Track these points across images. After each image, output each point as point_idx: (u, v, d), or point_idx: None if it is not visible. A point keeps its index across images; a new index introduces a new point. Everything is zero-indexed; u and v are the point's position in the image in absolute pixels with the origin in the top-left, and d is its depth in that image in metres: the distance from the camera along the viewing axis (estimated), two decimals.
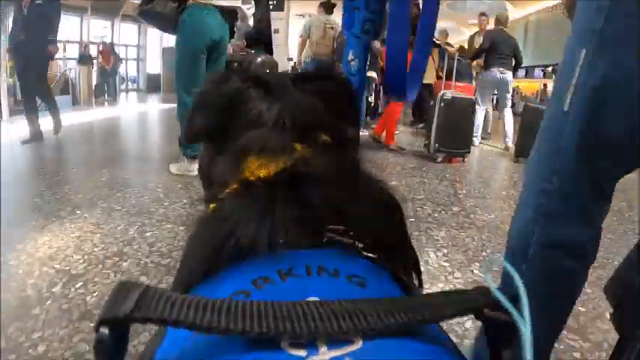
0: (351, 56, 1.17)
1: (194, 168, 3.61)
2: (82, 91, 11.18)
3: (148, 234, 2.54)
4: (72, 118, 7.59)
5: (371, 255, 0.47)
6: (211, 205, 0.51)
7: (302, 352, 0.30)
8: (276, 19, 8.53)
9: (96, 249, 2.33)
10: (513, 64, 6.47)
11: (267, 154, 0.51)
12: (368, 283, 0.40)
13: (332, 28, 6.86)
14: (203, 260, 0.46)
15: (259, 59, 4.20)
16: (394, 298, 0.38)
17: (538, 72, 14.48)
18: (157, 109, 10.91)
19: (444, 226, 3.00)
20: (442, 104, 5.04)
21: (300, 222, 0.45)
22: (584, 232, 1.00)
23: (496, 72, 6.34)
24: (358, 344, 0.31)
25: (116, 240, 2.45)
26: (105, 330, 0.29)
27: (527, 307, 0.32)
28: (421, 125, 7.47)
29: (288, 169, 0.49)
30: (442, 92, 5.16)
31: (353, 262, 0.44)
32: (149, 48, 15.21)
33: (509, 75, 6.38)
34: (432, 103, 5.24)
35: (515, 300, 0.33)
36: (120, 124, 8.28)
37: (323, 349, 0.30)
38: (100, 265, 2.15)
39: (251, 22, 6.69)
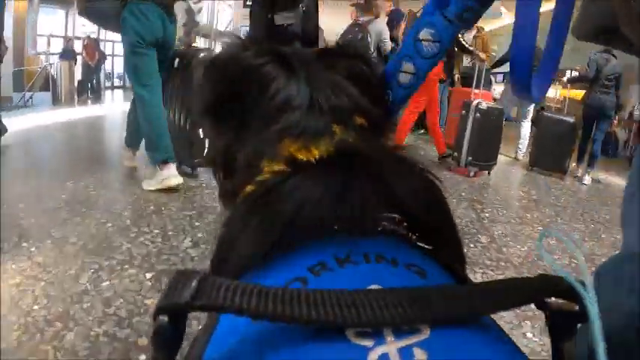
0: (426, 35, 0.78)
1: (168, 176, 3.22)
2: (64, 88, 10.58)
3: (104, 284, 1.95)
4: (50, 117, 7.10)
5: (425, 246, 0.47)
6: (249, 187, 0.49)
7: (368, 342, 0.29)
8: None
9: (36, 306, 1.75)
10: None
11: (307, 136, 0.50)
12: (427, 272, 0.39)
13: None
14: (259, 244, 0.43)
15: (201, 54, 3.75)
16: (457, 286, 0.39)
17: None
18: None
19: (477, 266, 2.50)
20: (478, 115, 4.70)
21: (356, 207, 0.42)
22: None
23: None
24: (426, 333, 0.30)
25: (64, 293, 1.86)
26: (164, 318, 0.30)
27: (594, 294, 0.31)
28: (422, 131, 7.20)
29: (337, 152, 0.48)
30: (476, 102, 4.78)
31: (409, 252, 0.44)
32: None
33: None
34: (463, 112, 4.88)
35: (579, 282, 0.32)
36: (102, 124, 7.71)
37: (390, 338, 0.29)
38: (38, 335, 1.58)
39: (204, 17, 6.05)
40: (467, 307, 0.32)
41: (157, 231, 2.50)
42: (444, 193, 0.51)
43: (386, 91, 0.78)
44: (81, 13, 3.53)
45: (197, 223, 2.62)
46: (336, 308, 0.29)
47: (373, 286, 0.34)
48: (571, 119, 5.81)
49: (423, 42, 0.79)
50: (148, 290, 1.91)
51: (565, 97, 10.14)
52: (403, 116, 5.18)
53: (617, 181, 6.08)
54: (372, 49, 5.27)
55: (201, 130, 3.38)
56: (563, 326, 0.34)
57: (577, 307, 0.33)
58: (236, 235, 0.46)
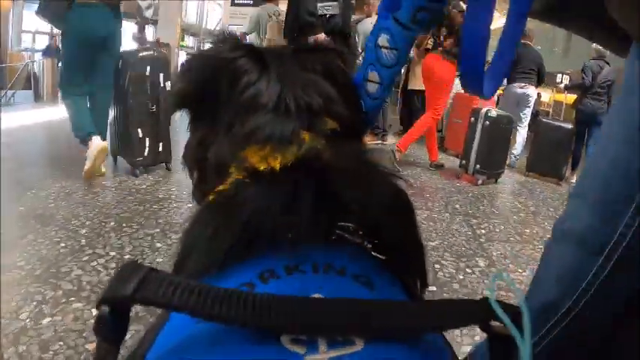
0: (383, 41, 0.77)
1: (94, 147, 3.33)
2: (46, 85, 10.23)
3: (45, 321, 1.67)
4: (31, 116, 6.78)
5: (379, 256, 0.46)
6: (211, 195, 0.49)
7: (301, 350, 0.30)
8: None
9: None
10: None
11: (273, 143, 0.49)
12: (374, 284, 0.39)
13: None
14: (212, 253, 0.43)
15: (141, 54, 3.72)
16: (399, 301, 0.40)
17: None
18: None
19: (477, 294, 2.22)
20: (487, 122, 4.65)
21: (311, 218, 0.42)
22: None
23: (516, 87, 6.03)
24: (359, 346, 0.30)
25: (4, 329, 1.60)
26: (105, 308, 0.30)
27: (528, 321, 0.31)
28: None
29: (298, 161, 0.48)
30: (485, 110, 4.71)
31: (360, 262, 0.44)
32: (124, 42, 14.23)
33: (529, 90, 6.03)
34: (472, 120, 4.81)
35: (518, 314, 0.32)
36: None
37: (323, 347, 0.30)
38: None
39: (192, 17, 6.00)
40: (406, 322, 0.32)
41: (113, 253, 2.23)
42: (410, 201, 0.51)
43: (356, 89, 0.73)
44: (37, 13, 3.59)
45: (158, 245, 2.35)
46: (273, 313, 0.30)
47: (315, 295, 0.34)
48: (569, 126, 5.84)
49: (382, 49, 0.75)
50: (91, 331, 1.64)
51: (554, 101, 10.20)
52: (422, 119, 4.97)
53: None
54: (360, 49, 5.04)
55: (140, 129, 3.59)
56: (504, 350, 0.33)
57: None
58: (193, 242, 0.47)
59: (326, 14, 3.05)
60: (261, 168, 0.48)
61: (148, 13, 4.27)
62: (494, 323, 0.33)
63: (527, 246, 3.07)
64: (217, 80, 0.56)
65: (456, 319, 0.34)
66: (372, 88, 0.76)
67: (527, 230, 3.48)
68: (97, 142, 3.35)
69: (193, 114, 0.62)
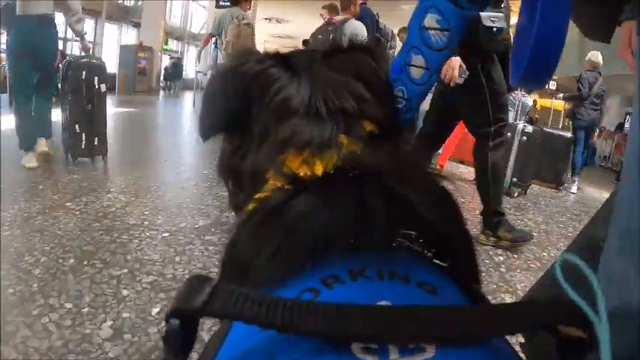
0: (431, 21, 0.66)
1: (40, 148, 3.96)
2: None
3: None
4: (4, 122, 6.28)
5: (440, 263, 0.45)
6: (251, 205, 0.49)
7: (373, 358, 0.29)
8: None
9: None
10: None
11: (312, 148, 0.50)
12: (438, 291, 0.39)
13: (248, 25, 6.07)
14: (277, 265, 0.42)
15: (78, 61, 4.25)
16: (467, 307, 0.39)
17: None
18: (110, 113, 9.52)
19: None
20: (524, 138, 4.95)
21: (370, 227, 0.42)
22: None
23: (518, 95, 6.43)
24: (431, 353, 0.30)
25: None
26: (175, 321, 0.30)
27: (605, 318, 0.30)
28: None
29: (340, 166, 0.48)
30: (522, 125, 5.03)
31: (423, 269, 0.43)
32: (106, 45, 13.81)
33: (528, 98, 6.20)
34: (508, 134, 4.76)
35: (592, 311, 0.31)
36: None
37: (394, 355, 0.30)
38: None
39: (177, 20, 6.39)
40: (474, 328, 0.32)
41: (68, 305, 1.80)
42: (457, 200, 0.49)
43: (393, 89, 0.70)
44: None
45: (125, 292, 1.93)
46: (343, 322, 0.30)
47: (382, 302, 0.34)
48: (568, 134, 6.30)
49: (429, 30, 0.68)
50: None
51: (541, 107, 10.65)
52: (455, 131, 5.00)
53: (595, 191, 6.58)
54: None
55: (77, 125, 4.15)
56: (573, 354, 0.32)
57: (587, 336, 0.31)
58: (248, 256, 0.45)
59: (493, 28, 2.42)
60: (302, 174, 0.48)
61: (79, 27, 4.34)
62: (563, 327, 0.32)
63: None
64: (249, 96, 0.55)
65: (523, 323, 0.34)
66: (416, 73, 0.71)
67: (545, 254, 3.23)
68: (40, 144, 3.95)
69: (229, 130, 0.62)
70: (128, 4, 14.76)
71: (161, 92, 15.05)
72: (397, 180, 0.45)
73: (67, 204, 3.04)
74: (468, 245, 0.49)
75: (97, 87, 4.22)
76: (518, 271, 2.77)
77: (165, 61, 14.82)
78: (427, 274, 0.42)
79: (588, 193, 5.51)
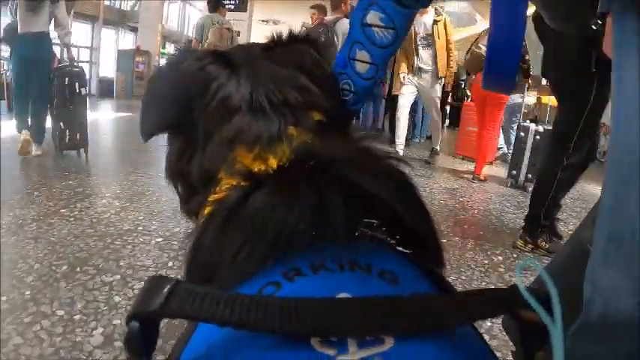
0: (374, 18, 0.66)
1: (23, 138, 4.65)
2: None
3: None
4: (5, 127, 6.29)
5: (403, 250, 0.46)
6: (207, 208, 0.49)
7: (331, 351, 0.30)
8: (236, 20, 8.09)
9: None
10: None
11: (262, 143, 0.49)
12: (400, 279, 0.39)
13: (229, 29, 6.43)
14: (233, 261, 0.42)
15: (62, 70, 4.94)
16: (427, 296, 0.39)
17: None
18: (108, 118, 9.54)
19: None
20: (537, 137, 5.22)
21: (332, 215, 0.41)
22: None
23: (516, 96, 6.39)
24: (389, 344, 0.30)
25: None
26: (135, 324, 0.30)
27: (558, 307, 0.31)
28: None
29: (295, 158, 0.48)
30: (534, 127, 5.29)
31: (385, 258, 0.43)
32: (103, 50, 13.81)
33: (519, 97, 6.32)
34: (522, 134, 5.29)
35: (548, 300, 0.32)
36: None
37: (353, 348, 0.30)
38: None
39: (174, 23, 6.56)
40: (435, 317, 0.32)
41: (60, 313, 1.81)
42: (412, 180, 0.49)
43: (338, 79, 0.68)
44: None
45: (117, 299, 1.94)
46: (302, 317, 0.30)
47: (342, 295, 0.34)
48: None
49: (373, 27, 0.68)
50: None
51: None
52: (486, 140, 5.41)
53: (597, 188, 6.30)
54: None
55: (61, 123, 4.82)
56: (535, 337, 0.33)
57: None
58: (212, 259, 0.44)
59: None
60: (256, 169, 0.48)
61: (67, 40, 5.09)
62: (525, 311, 0.33)
63: None
64: (189, 93, 0.54)
65: (484, 309, 0.34)
66: (361, 67, 0.70)
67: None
68: (24, 135, 4.66)
69: (170, 130, 0.60)
70: (125, 9, 14.77)
71: None
72: (354, 168, 0.45)
73: (61, 210, 3.06)
74: (430, 229, 0.48)
75: (77, 91, 4.96)
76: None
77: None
78: (389, 262, 0.42)
79: (588, 191, 5.48)
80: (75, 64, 5.49)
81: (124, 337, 0.31)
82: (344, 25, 5.27)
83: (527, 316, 0.33)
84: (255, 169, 0.48)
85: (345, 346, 0.30)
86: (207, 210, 0.49)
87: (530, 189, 4.98)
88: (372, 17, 0.68)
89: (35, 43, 4.62)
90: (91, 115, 9.83)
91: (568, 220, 4.22)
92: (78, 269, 2.19)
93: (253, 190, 0.45)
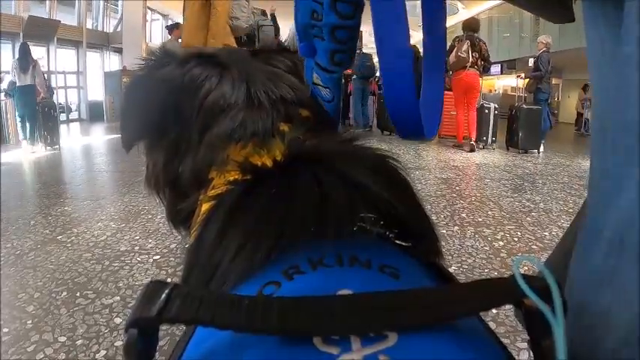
0: (317, 79, 0.72)
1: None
2: (11, 127, 9.70)
3: None
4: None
5: (403, 243, 0.45)
6: (205, 205, 0.49)
7: (335, 350, 0.29)
8: None
9: None
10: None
11: (255, 139, 0.50)
12: (401, 273, 0.38)
13: None
14: (234, 259, 0.42)
15: (43, 101, 8.19)
16: (429, 289, 0.39)
17: (495, 68, 15.70)
18: (100, 140, 9.55)
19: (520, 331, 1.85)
20: (496, 112, 7.74)
21: (328, 210, 0.42)
22: None
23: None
24: (393, 340, 0.30)
25: None
26: (134, 331, 0.30)
27: (558, 299, 0.31)
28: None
29: (291, 153, 0.49)
30: (495, 106, 7.78)
31: (385, 252, 0.43)
32: (90, 73, 13.83)
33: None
34: (486, 111, 7.65)
35: (549, 290, 0.31)
36: (53, 162, 6.87)
37: (357, 345, 0.29)
38: None
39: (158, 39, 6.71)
40: (438, 310, 0.31)
41: (62, 339, 1.82)
42: (406, 176, 0.50)
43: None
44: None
45: (118, 320, 1.95)
46: (303, 316, 0.30)
47: (343, 291, 0.34)
48: (539, 107, 7.60)
49: (317, 86, 0.71)
50: None
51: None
52: (472, 117, 7.38)
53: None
54: None
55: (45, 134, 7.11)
56: (541, 325, 0.31)
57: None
58: (216, 257, 0.44)
59: None
60: (256, 163, 0.48)
61: (44, 87, 8.33)
62: (528, 301, 0.32)
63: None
64: (176, 97, 0.54)
65: (487, 300, 0.33)
66: (324, 93, 0.72)
67: (546, 233, 3.19)
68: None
69: (151, 139, 0.60)
70: (107, 31, 14.79)
71: None
72: (350, 164, 0.46)
73: (58, 237, 3.06)
74: (427, 222, 0.49)
75: (52, 114, 8.44)
76: (520, 254, 2.73)
77: None
78: (389, 256, 0.41)
79: (584, 166, 5.52)
80: (49, 96, 9.08)
81: (123, 344, 0.30)
82: None
83: (531, 304, 0.32)
84: (254, 163, 0.48)
85: (348, 344, 0.29)
86: (205, 206, 0.49)
87: (494, 148, 7.46)
88: (316, 78, 0.72)
89: (26, 90, 7.99)
90: (82, 140, 9.97)
91: (567, 199, 4.22)
92: (77, 294, 2.20)
93: (254, 185, 0.46)
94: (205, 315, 0.30)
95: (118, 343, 1.78)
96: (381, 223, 0.45)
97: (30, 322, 1.97)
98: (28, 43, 8.59)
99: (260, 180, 0.46)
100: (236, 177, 0.48)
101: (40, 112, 8.07)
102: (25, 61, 7.88)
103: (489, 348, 0.34)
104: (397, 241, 0.45)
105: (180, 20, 6.15)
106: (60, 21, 12.53)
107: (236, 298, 0.31)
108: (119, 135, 0.63)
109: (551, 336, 0.31)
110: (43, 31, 11.99)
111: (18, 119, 8.32)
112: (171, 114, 0.55)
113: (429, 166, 5.23)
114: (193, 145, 0.54)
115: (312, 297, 0.31)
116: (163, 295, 0.30)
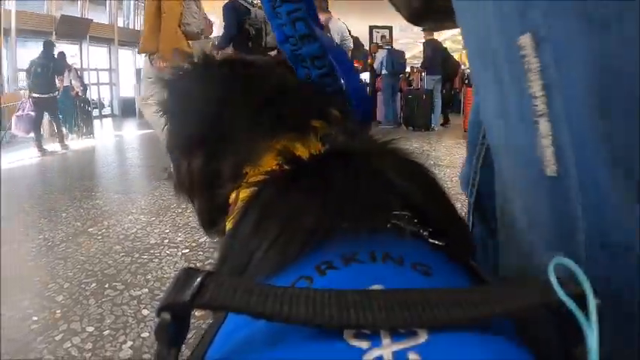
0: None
1: None
2: (44, 123, 9.95)
3: None
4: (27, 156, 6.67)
5: (437, 242, 0.45)
6: (243, 193, 0.50)
7: (364, 344, 0.29)
8: None
9: None
10: None
11: (290, 136, 0.51)
12: (433, 271, 0.38)
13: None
14: (268, 250, 0.43)
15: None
16: (462, 288, 0.38)
17: None
18: (132, 136, 9.73)
19: None
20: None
21: (363, 206, 0.43)
22: None
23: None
24: (423, 337, 0.30)
25: None
26: (166, 315, 0.30)
27: (594, 307, 0.30)
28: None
29: (328, 150, 0.50)
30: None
31: (418, 250, 0.43)
32: (122, 71, 14.07)
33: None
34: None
35: (582, 297, 0.30)
36: (85, 157, 7.01)
37: (386, 341, 0.29)
38: None
39: None
40: (469, 310, 0.31)
41: (90, 329, 1.82)
42: (440, 183, 0.51)
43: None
44: None
45: (145, 312, 1.94)
46: (334, 309, 0.29)
47: (375, 286, 0.33)
48: (430, 88, 8.72)
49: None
50: None
51: None
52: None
53: None
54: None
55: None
56: (574, 330, 0.30)
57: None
58: (247, 236, 0.45)
59: None
60: (296, 155, 0.49)
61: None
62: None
63: None
64: (225, 98, 0.57)
65: (522, 303, 0.32)
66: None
67: None
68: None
69: (190, 143, 0.61)
70: (138, 29, 15.01)
71: None
72: (382, 162, 0.47)
73: (89, 229, 3.09)
74: (461, 223, 0.49)
75: (87, 109, 9.58)
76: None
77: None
78: (423, 254, 0.41)
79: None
80: (83, 92, 9.79)
81: (155, 327, 0.30)
82: (337, 25, 5.37)
83: (567, 310, 0.31)
84: (294, 155, 0.49)
85: (378, 339, 0.29)
86: (243, 194, 0.50)
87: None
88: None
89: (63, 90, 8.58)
90: (115, 135, 10.14)
91: None
92: (106, 285, 2.21)
93: (291, 176, 0.47)
94: (238, 302, 0.30)
95: (145, 334, 1.77)
96: (415, 221, 0.45)
97: (59, 311, 1.98)
98: (61, 41, 9.05)
99: (297, 171, 0.47)
100: (274, 167, 0.49)
101: (76, 107, 9.00)
102: (60, 67, 8.28)
103: (520, 352, 0.34)
104: (431, 240, 0.45)
105: (214, 19, 6.17)
106: (92, 19, 12.76)
107: (269, 288, 0.31)
108: (158, 135, 0.65)
109: (584, 343, 0.30)
110: (76, 29, 12.23)
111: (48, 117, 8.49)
112: (220, 115, 0.57)
113: (460, 163, 5.11)
114: (232, 145, 0.56)
115: (345, 290, 0.31)
116: (197, 282, 0.31)
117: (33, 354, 1.69)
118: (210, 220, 0.62)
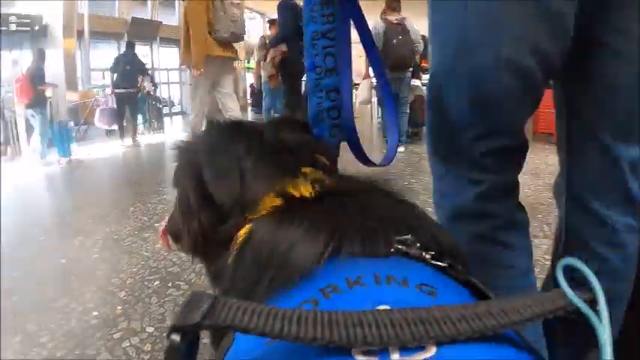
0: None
1: None
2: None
3: None
4: (98, 150, 6.89)
5: (440, 264, 0.45)
6: (247, 227, 0.51)
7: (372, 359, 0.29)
8: None
9: None
10: None
11: (284, 180, 0.54)
12: (438, 291, 0.38)
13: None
14: (270, 272, 0.44)
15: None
16: (467, 304, 0.36)
17: None
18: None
19: None
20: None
21: (366, 233, 0.45)
22: None
23: None
24: (432, 351, 0.30)
25: None
26: (176, 337, 0.30)
27: (605, 310, 0.31)
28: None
29: (323, 190, 0.53)
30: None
31: (421, 271, 0.43)
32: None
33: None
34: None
35: (592, 302, 0.32)
36: (152, 154, 7.17)
37: (395, 356, 0.29)
38: None
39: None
40: (477, 323, 0.31)
41: (150, 330, 1.73)
42: (422, 210, 0.54)
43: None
44: None
45: None
46: (342, 328, 0.29)
47: (381, 307, 0.33)
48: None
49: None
50: None
51: None
52: None
53: None
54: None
55: None
56: (585, 337, 0.31)
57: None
58: (252, 263, 0.47)
59: None
60: (294, 195, 0.53)
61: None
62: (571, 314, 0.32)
63: None
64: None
65: (528, 314, 0.33)
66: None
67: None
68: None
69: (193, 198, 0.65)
70: None
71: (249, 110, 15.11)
72: (377, 197, 0.54)
73: (155, 225, 3.05)
74: (456, 245, 0.51)
75: (157, 106, 9.60)
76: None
77: (250, 79, 14.98)
78: (426, 275, 0.42)
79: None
80: (154, 91, 10.03)
81: (165, 349, 0.30)
82: (412, 24, 5.18)
83: (575, 318, 0.33)
84: (294, 194, 0.53)
85: (386, 355, 0.29)
86: (244, 230, 0.51)
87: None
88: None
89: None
90: (184, 132, 10.34)
91: None
92: (170, 284, 2.12)
93: (291, 210, 0.50)
94: (247, 322, 0.30)
95: (206, 341, 1.65)
96: (417, 245, 0.46)
97: (120, 307, 1.92)
98: (134, 42, 9.02)
99: (295, 207, 0.50)
100: (274, 204, 0.52)
101: (148, 105, 9.53)
102: (142, 65, 8.87)
103: (525, 357, 0.34)
104: (433, 262, 0.45)
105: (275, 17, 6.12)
106: (161, 22, 13.11)
107: (276, 309, 0.31)
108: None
109: (597, 347, 0.30)
110: (146, 31, 12.58)
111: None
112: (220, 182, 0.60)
113: (537, 171, 4.67)
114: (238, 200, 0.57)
115: (351, 311, 0.31)
116: (205, 304, 0.31)
117: (90, 350, 1.62)
118: (217, 276, 0.60)
